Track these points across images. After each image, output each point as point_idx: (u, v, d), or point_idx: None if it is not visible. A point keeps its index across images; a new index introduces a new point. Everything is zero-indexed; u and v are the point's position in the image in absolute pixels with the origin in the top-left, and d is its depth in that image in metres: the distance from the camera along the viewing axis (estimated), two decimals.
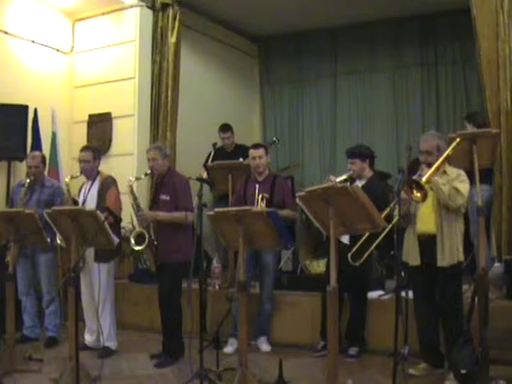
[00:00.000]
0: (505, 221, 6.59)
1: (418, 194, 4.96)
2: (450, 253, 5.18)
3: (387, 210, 5.41)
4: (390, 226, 5.38)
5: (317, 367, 5.74)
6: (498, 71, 6.68)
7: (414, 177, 5.26)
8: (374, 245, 5.66)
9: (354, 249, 5.67)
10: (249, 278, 5.69)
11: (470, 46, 7.95)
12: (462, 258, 5.25)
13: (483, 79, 6.83)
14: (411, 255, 5.37)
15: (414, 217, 5.36)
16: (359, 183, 5.96)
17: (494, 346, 4.79)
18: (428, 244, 5.26)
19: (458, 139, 5.27)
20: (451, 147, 5.29)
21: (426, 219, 5.30)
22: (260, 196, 6.34)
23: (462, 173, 5.30)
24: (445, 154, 5.21)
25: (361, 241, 5.64)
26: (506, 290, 6.07)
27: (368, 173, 6.24)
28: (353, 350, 6.06)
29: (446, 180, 5.20)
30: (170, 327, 6.03)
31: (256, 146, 6.67)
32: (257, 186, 6.47)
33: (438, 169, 5.17)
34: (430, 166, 5.18)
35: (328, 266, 6.13)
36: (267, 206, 6.15)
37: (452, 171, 5.30)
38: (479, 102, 8.89)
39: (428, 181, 5.03)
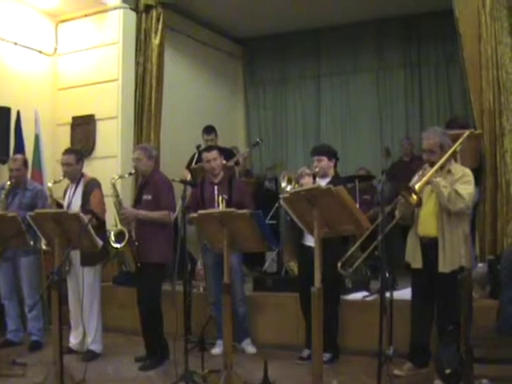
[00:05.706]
0: (488, 221, 6.60)
1: (415, 197, 4.89)
2: (451, 258, 5.06)
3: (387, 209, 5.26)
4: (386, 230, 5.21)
5: (302, 368, 5.73)
6: (480, 72, 6.71)
7: (416, 176, 5.23)
8: (366, 253, 5.61)
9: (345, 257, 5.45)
10: (218, 282, 5.63)
11: (453, 47, 8.02)
12: (464, 262, 5.06)
13: (466, 80, 6.86)
14: (413, 257, 5.30)
15: (416, 218, 5.28)
16: (323, 181, 5.82)
17: (478, 345, 4.81)
18: (429, 247, 5.16)
19: (467, 133, 5.18)
20: (458, 143, 5.19)
21: (427, 222, 5.20)
22: (220, 198, 6.33)
23: (468, 172, 5.15)
24: (449, 152, 5.11)
25: (352, 249, 5.48)
26: (490, 289, 6.10)
27: (332, 172, 6.10)
28: (325, 357, 5.84)
29: (449, 181, 5.07)
30: (150, 329, 6.00)
31: (208, 149, 6.67)
32: (215, 187, 6.45)
33: (440, 168, 5.07)
34: (432, 165, 5.08)
35: (300, 269, 6.16)
36: (226, 207, 6.09)
37: (458, 170, 5.17)
38: (462, 102, 8.99)
39: (422, 187, 4.95)
